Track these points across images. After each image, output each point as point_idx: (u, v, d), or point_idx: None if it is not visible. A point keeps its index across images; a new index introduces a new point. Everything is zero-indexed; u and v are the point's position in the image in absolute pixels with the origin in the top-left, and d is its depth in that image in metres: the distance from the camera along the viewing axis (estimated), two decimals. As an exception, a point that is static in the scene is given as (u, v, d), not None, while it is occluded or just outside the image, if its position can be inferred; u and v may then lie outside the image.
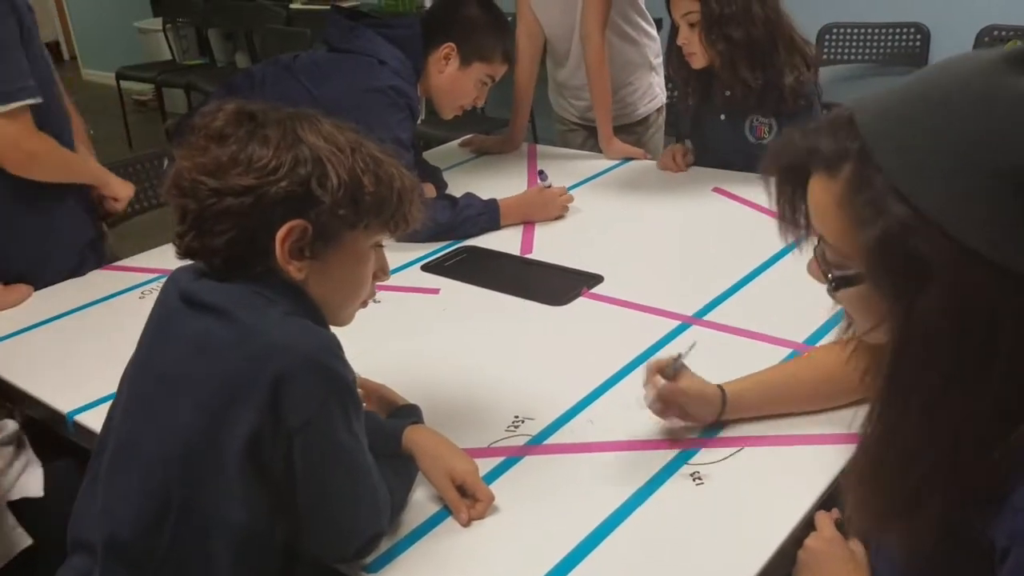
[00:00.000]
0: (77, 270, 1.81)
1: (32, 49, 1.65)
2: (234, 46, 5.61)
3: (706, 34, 1.94)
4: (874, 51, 3.67)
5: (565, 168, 2.25)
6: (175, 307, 0.97)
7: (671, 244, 1.87)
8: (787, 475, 1.10)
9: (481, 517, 1.06)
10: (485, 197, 1.93)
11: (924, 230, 0.63)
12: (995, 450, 0.65)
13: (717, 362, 1.21)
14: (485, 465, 1.13)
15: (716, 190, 2.04)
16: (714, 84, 2.05)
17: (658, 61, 2.48)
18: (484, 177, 2.24)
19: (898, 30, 3.61)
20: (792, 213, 0.78)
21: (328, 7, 4.47)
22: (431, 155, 2.42)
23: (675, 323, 1.48)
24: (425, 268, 1.76)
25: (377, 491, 0.99)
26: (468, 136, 2.57)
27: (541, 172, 2.01)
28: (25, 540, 1.21)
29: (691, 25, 1.96)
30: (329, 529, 0.97)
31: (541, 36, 2.40)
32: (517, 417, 1.25)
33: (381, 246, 1.05)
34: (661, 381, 1.13)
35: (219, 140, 0.94)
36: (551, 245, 1.83)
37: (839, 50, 3.72)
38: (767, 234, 1.73)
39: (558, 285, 1.64)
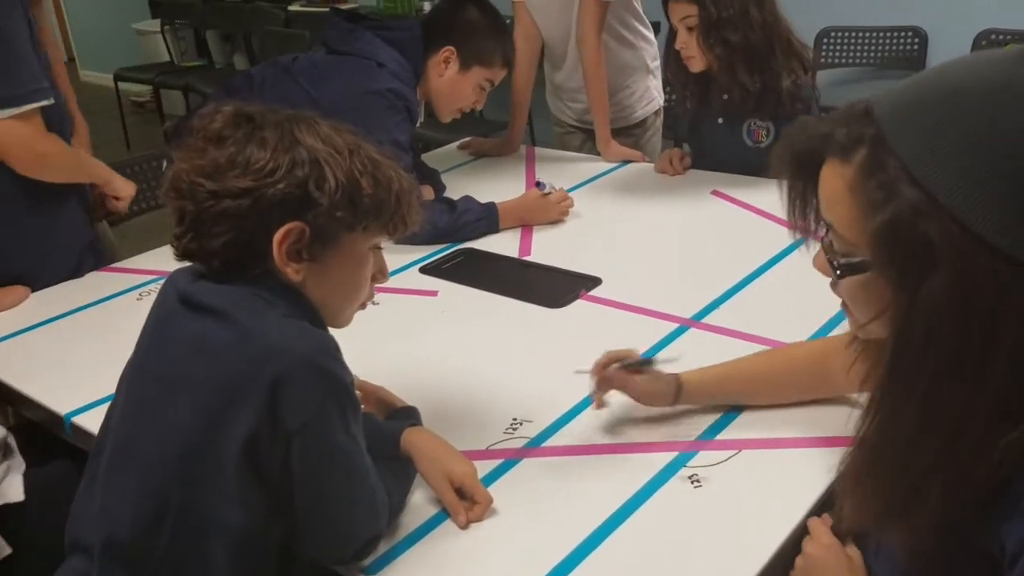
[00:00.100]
0: (76, 272, 1.81)
1: (36, 47, 1.65)
2: (232, 48, 5.61)
3: (704, 38, 1.95)
4: (872, 55, 3.67)
5: (563, 171, 2.25)
6: (173, 309, 0.97)
7: (669, 247, 1.87)
8: (785, 478, 1.10)
9: (479, 519, 1.06)
10: (483, 200, 1.93)
11: (934, 214, 0.64)
12: (995, 450, 0.65)
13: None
14: (483, 467, 1.13)
15: (714, 193, 2.04)
16: (712, 88, 2.06)
17: (655, 64, 2.49)
18: (482, 179, 2.24)
19: (896, 34, 3.62)
20: (803, 207, 0.78)
21: (326, 9, 4.48)
22: (430, 157, 2.42)
23: (673, 325, 1.48)
24: (423, 270, 1.76)
25: (375, 493, 0.99)
26: (466, 139, 2.57)
27: (539, 183, 2.01)
28: (4, 549, 1.20)
29: (689, 29, 1.97)
30: (327, 531, 0.97)
31: (538, 39, 2.40)
32: (515, 419, 1.25)
33: (380, 248, 1.05)
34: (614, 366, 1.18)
35: (217, 142, 0.94)
36: (549, 247, 1.83)
37: (837, 54, 3.73)
38: (765, 237, 1.76)
39: (556, 287, 1.64)
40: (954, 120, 0.65)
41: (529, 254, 1.82)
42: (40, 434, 1.41)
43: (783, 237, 1.82)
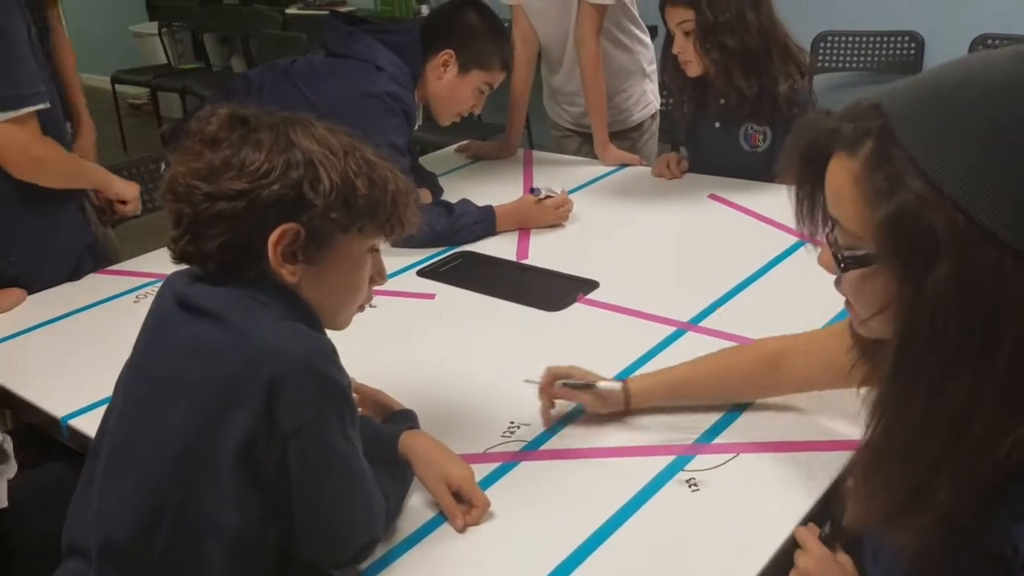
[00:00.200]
0: (74, 274, 1.81)
1: (36, 54, 1.65)
2: (230, 50, 5.61)
3: (701, 42, 1.95)
4: (868, 59, 3.68)
5: (560, 174, 2.26)
6: (170, 311, 0.97)
7: (667, 250, 1.87)
8: (782, 482, 1.10)
9: (477, 523, 1.06)
10: (481, 203, 1.93)
11: (940, 205, 0.64)
12: (1002, 445, 0.65)
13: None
14: (481, 471, 1.13)
15: (712, 197, 2.05)
16: (709, 92, 2.06)
17: (651, 68, 2.49)
18: (480, 183, 2.24)
19: (892, 38, 3.63)
20: (811, 207, 0.78)
21: (324, 12, 4.48)
22: (427, 160, 2.42)
23: (670, 329, 1.48)
24: (421, 273, 1.75)
25: (372, 496, 0.98)
26: (464, 142, 2.57)
27: (534, 189, 2.01)
28: None
29: (686, 33, 1.97)
30: (324, 534, 0.97)
31: (536, 42, 2.41)
32: (513, 423, 1.25)
33: (377, 251, 1.05)
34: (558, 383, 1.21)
35: (212, 145, 0.94)
36: (547, 251, 1.83)
37: (834, 58, 3.74)
38: (762, 241, 1.76)
39: (554, 291, 1.64)
40: (961, 111, 0.65)
41: (527, 257, 1.82)
42: (37, 436, 1.40)
43: (780, 241, 1.83)
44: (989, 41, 3.26)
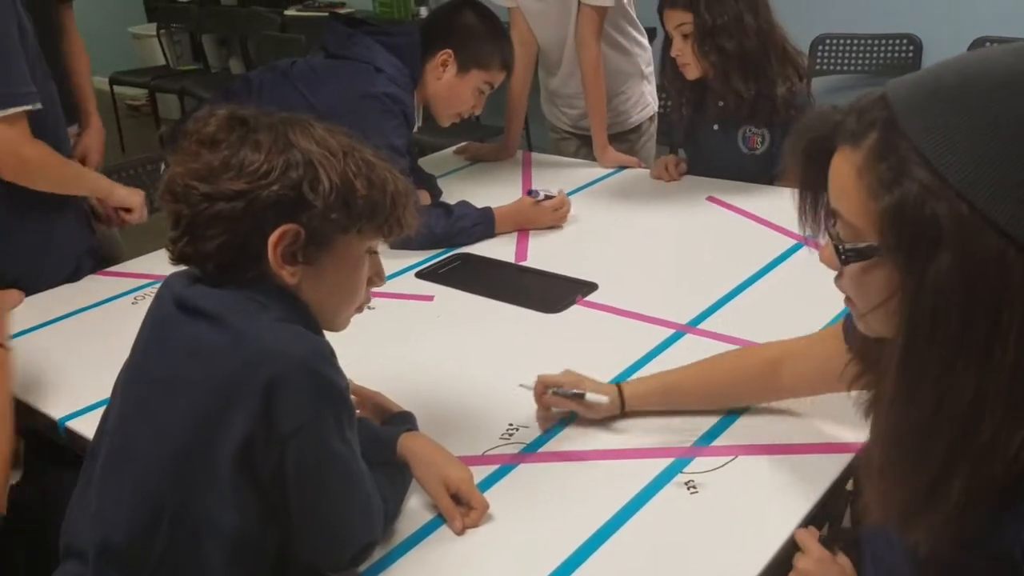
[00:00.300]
0: (73, 276, 1.80)
1: (30, 54, 1.64)
2: (228, 52, 5.61)
3: (699, 45, 1.95)
4: (866, 62, 3.69)
5: (559, 176, 2.26)
6: (169, 312, 0.97)
7: (665, 252, 1.87)
8: (782, 484, 1.10)
9: (475, 525, 1.05)
10: (480, 205, 1.93)
11: (943, 194, 0.64)
12: (1012, 443, 0.65)
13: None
14: (479, 473, 1.13)
15: (710, 199, 2.05)
16: (707, 95, 2.07)
17: (649, 70, 2.50)
18: (479, 184, 2.25)
19: (890, 41, 3.63)
20: (814, 203, 0.78)
21: (322, 14, 4.49)
22: (426, 162, 2.42)
23: (669, 331, 1.48)
24: (419, 275, 1.75)
25: (370, 499, 0.98)
26: (463, 143, 2.57)
27: (532, 191, 2.00)
28: None
29: (684, 36, 1.98)
30: (322, 536, 0.96)
31: (534, 44, 2.41)
32: (511, 425, 1.25)
33: (376, 252, 1.05)
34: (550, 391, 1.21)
35: (211, 145, 0.94)
36: (545, 253, 1.83)
37: (832, 60, 3.74)
38: (761, 243, 1.76)
39: (552, 293, 1.64)
40: (966, 102, 0.65)
41: (525, 259, 1.82)
42: (35, 438, 1.40)
43: (778, 243, 1.83)
44: (987, 43, 3.26)
